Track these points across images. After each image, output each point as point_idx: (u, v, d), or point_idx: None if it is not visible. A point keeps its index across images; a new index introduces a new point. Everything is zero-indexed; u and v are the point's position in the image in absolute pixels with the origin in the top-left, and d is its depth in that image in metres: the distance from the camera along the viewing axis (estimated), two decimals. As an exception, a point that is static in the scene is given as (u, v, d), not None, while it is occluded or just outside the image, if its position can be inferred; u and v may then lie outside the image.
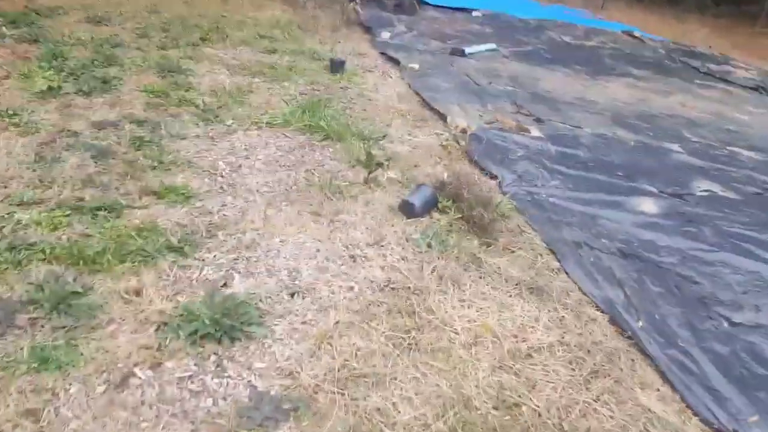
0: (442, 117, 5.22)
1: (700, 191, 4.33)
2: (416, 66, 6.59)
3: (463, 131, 4.95)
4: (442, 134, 4.87)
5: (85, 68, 5.02)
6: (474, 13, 10.57)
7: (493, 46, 8.29)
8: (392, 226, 3.25)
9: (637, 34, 10.82)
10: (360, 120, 4.89)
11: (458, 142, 4.54)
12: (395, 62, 6.87)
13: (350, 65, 6.36)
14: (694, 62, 9.28)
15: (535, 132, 5.21)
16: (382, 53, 7.19)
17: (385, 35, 8.03)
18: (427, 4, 10.38)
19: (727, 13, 14.27)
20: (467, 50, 7.84)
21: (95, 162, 3.52)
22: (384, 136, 4.58)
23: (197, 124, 4.33)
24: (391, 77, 6.33)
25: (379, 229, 3.18)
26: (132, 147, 3.78)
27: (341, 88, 5.66)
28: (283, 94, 5.23)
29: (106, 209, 3.03)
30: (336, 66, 6.00)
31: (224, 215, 3.15)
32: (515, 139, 4.89)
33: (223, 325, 2.25)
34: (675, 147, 5.27)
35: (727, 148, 5.55)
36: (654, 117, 6.10)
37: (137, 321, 2.29)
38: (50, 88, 4.46)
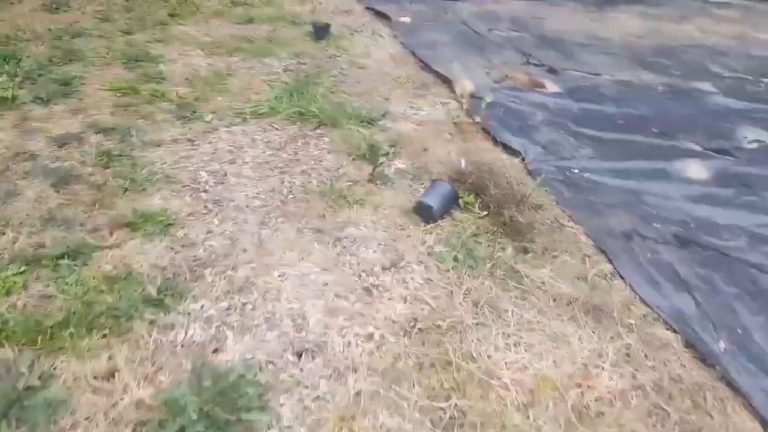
0: (446, 81, 4.58)
1: (749, 142, 3.74)
2: (408, 19, 5.87)
3: (471, 95, 4.33)
4: (448, 103, 4.25)
5: (43, 69, 4.37)
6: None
7: None
8: (409, 236, 2.71)
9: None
10: (355, 96, 4.27)
11: (470, 115, 3.92)
12: (385, 18, 6.14)
13: (336, 27, 5.66)
14: (706, -20, 8.44)
15: (551, 86, 4.58)
16: (369, 8, 6.45)
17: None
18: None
19: None
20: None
21: (57, 191, 2.97)
22: (384, 114, 3.97)
23: (173, 124, 3.74)
24: (381, 36, 5.63)
25: (394, 244, 2.65)
26: (99, 165, 3.21)
27: (329, 57, 4.99)
28: (266, 73, 4.59)
29: (70, 255, 2.50)
30: (320, 32, 5.31)
31: (211, 246, 2.61)
32: (531, 99, 4.28)
33: (216, 418, 1.76)
34: (706, 87, 4.63)
35: (763, 80, 4.90)
36: (674, 50, 5.42)
37: (109, 421, 1.81)
38: (2, 99, 3.85)
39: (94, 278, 2.39)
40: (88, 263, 2.48)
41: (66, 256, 2.49)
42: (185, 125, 3.73)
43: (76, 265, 2.45)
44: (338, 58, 4.98)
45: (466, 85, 4.40)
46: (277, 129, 3.74)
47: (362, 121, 3.85)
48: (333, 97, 4.20)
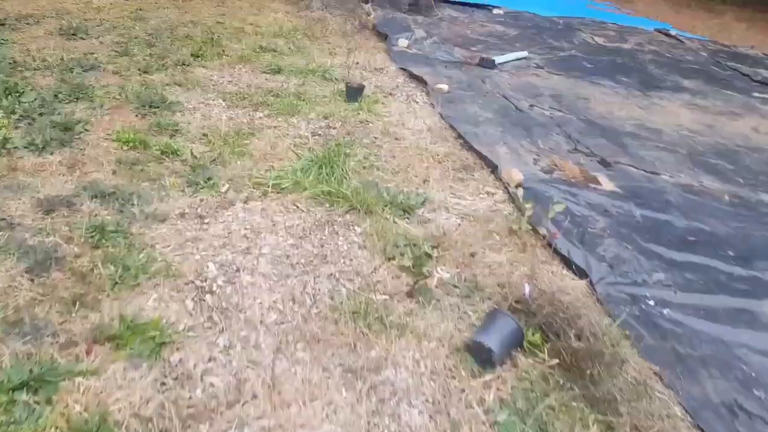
0: (489, 164, 4.04)
1: None
2: (445, 87, 5.37)
3: (519, 185, 3.78)
4: (494, 193, 3.70)
5: (45, 107, 3.83)
6: (494, 11, 9.29)
7: (524, 54, 7.05)
8: (463, 391, 2.11)
9: (672, 32, 9.54)
10: (390, 174, 3.71)
11: (521, 212, 3.36)
12: (419, 80, 5.65)
13: (368, 87, 5.15)
14: (743, 68, 8.03)
15: (606, 183, 4.04)
16: (403, 69, 5.97)
17: (402, 43, 6.78)
18: (445, 1, 9.09)
19: (762, 3, 12.89)
20: (497, 60, 6.61)
21: (32, 279, 2.37)
22: (423, 202, 3.41)
23: (183, 191, 3.17)
24: (417, 102, 5.12)
25: (445, 404, 2.04)
26: (89, 243, 2.62)
27: (361, 122, 4.46)
28: (293, 135, 4.04)
29: (31, 387, 1.89)
30: (353, 93, 4.79)
31: (212, 386, 2.00)
32: (588, 198, 3.73)
33: None
34: (775, 200, 4.11)
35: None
36: (733, 153, 4.91)
37: None
38: (-8, 141, 3.28)
39: (55, 427, 1.77)
40: (52, 399, 1.86)
41: (26, 385, 1.88)
42: (196, 194, 3.15)
43: (36, 402, 1.84)
44: (371, 125, 4.45)
45: (513, 174, 3.85)
46: (301, 210, 3.16)
47: (398, 208, 3.28)
48: (365, 173, 3.65)
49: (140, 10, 6.46)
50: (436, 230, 3.16)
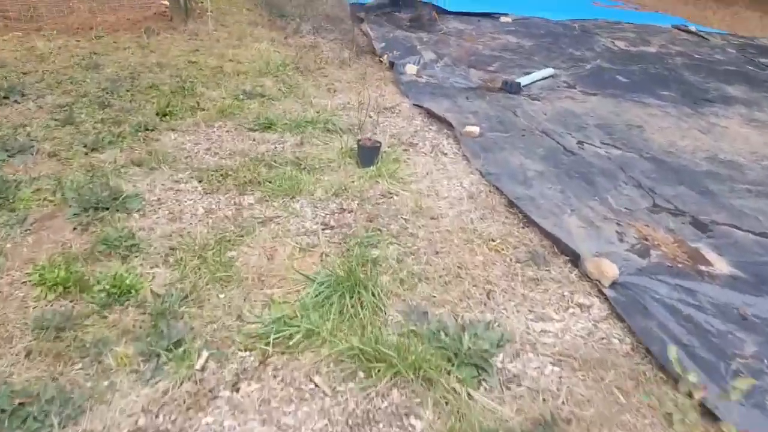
0: (565, 249, 2.84)
1: None
2: (476, 130, 4.15)
3: (614, 283, 2.60)
4: (589, 305, 2.49)
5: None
6: (502, 19, 8.05)
7: (550, 71, 5.83)
8: None
9: (692, 28, 8.36)
10: (439, 287, 2.50)
11: (694, 407, 2.12)
12: (440, 120, 4.43)
13: (381, 135, 3.93)
14: (784, 66, 6.88)
15: (716, 260, 2.84)
16: (418, 105, 4.74)
17: (411, 69, 5.54)
18: (446, 12, 7.84)
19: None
20: (522, 82, 5.40)
21: None
22: (500, 341, 2.20)
23: (136, 372, 1.95)
24: (445, 154, 3.89)
25: None
26: None
27: (383, 195, 3.24)
28: (296, 231, 2.82)
29: None
30: (368, 155, 3.56)
31: None
32: (709, 294, 2.54)
33: None
34: None
35: None
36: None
37: None
38: None
39: None
40: None
41: None
42: (156, 379, 1.93)
43: None
44: (396, 198, 3.22)
45: (605, 267, 2.64)
46: (323, 394, 1.94)
47: (468, 364, 2.07)
48: (406, 293, 2.43)
49: (94, 54, 5.18)
50: (532, 399, 1.96)
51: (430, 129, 4.31)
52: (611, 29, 8.03)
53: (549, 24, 7.99)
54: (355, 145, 3.65)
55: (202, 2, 7.07)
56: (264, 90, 4.76)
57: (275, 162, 3.47)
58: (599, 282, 2.63)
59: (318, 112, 4.40)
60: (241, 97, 4.55)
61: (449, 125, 4.30)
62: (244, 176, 3.27)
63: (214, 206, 2.98)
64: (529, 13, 8.42)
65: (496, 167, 3.66)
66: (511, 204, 3.26)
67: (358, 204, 3.11)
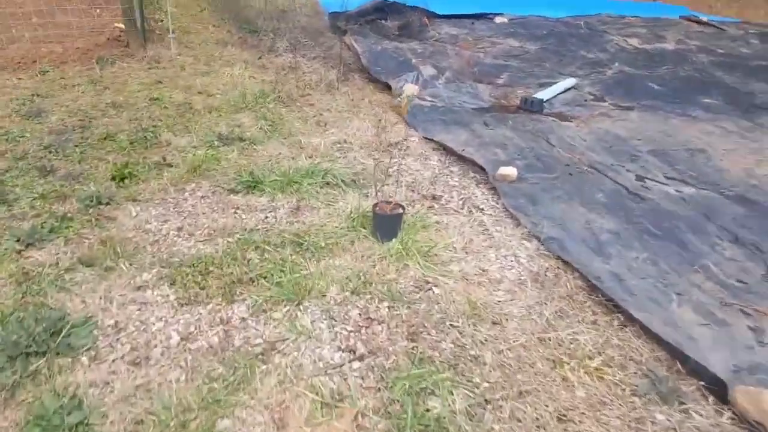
0: (685, 358, 2.09)
1: None
2: (513, 172, 3.36)
3: None
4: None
5: None
6: (497, 20, 7.28)
7: (571, 82, 5.09)
8: None
9: (703, 19, 7.71)
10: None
11: None
12: (463, 160, 3.64)
13: (394, 184, 3.14)
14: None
15: None
16: (429, 139, 3.94)
17: (411, 90, 4.74)
18: (436, 16, 7.04)
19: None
20: (543, 97, 4.64)
21: None
22: None
23: None
24: (482, 210, 3.09)
25: None
26: None
27: (418, 288, 2.43)
28: (311, 369, 1.99)
29: None
30: (387, 225, 2.74)
31: None
32: None
33: None
34: None
35: None
36: None
37: None
38: None
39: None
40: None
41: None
42: None
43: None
44: (436, 290, 2.42)
45: (762, 398, 1.89)
46: None
47: None
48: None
49: (37, 96, 4.26)
50: None
51: (452, 172, 3.52)
52: (618, 25, 7.32)
53: (549, 23, 7.24)
54: (367, 207, 2.85)
55: (161, 21, 6.14)
56: (242, 131, 3.92)
57: (269, 243, 2.64)
58: (765, 427, 1.86)
59: (311, 157, 3.58)
60: (216, 143, 3.69)
61: (475, 165, 3.51)
62: (231, 272, 2.44)
63: (192, 328, 2.15)
64: (523, 11, 7.66)
65: (555, 228, 2.87)
66: (592, 288, 2.48)
67: (388, 307, 2.31)
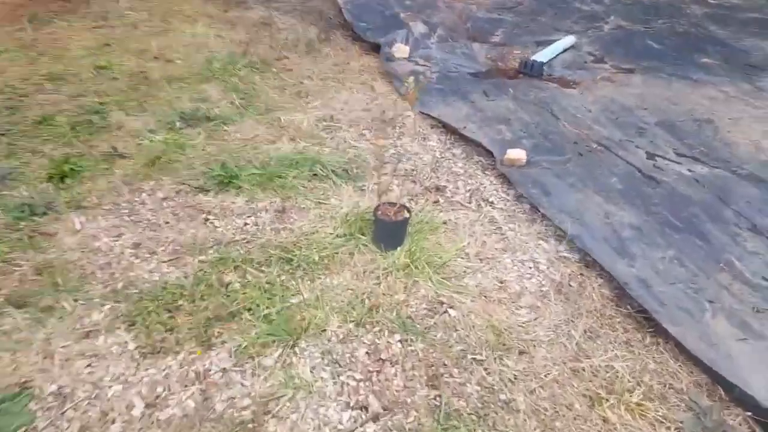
0: (729, 386, 1.73)
1: None
2: (522, 156, 2.88)
3: None
4: None
5: None
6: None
7: (570, 40, 4.54)
8: None
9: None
10: None
11: None
12: (466, 140, 3.14)
13: (391, 170, 2.65)
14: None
15: None
16: (426, 114, 3.40)
17: (401, 52, 4.15)
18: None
19: None
20: (542, 59, 4.11)
21: None
22: None
23: None
24: (491, 203, 2.62)
25: None
26: None
27: (432, 313, 1.99)
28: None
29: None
30: (390, 233, 2.25)
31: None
32: None
33: None
34: None
35: None
36: None
37: None
38: None
39: None
40: None
41: None
42: None
43: None
44: (452, 312, 1.98)
45: None
46: None
47: None
48: None
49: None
50: None
51: (455, 155, 3.02)
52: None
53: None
54: (365, 205, 2.36)
55: (107, -31, 5.28)
56: (210, 106, 3.31)
57: (251, 262, 2.13)
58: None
59: (294, 140, 3.03)
60: (179, 125, 3.09)
61: (480, 146, 3.02)
62: (206, 305, 1.94)
63: (160, 389, 1.67)
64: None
65: (573, 224, 2.45)
66: (620, 297, 2.10)
67: (401, 341, 1.86)
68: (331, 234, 2.31)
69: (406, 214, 2.24)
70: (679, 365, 1.84)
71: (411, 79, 2.10)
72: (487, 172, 2.86)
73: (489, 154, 2.96)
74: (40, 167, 2.63)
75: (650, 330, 1.96)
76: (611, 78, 4.03)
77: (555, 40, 4.50)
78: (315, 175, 2.70)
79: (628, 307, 2.04)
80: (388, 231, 2.24)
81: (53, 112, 3.10)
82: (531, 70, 4.01)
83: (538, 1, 5.57)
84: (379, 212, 2.24)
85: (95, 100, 3.27)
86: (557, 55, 4.34)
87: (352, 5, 4.95)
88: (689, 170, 2.93)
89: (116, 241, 2.23)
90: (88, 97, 3.31)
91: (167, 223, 2.33)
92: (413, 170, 2.80)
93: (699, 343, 1.89)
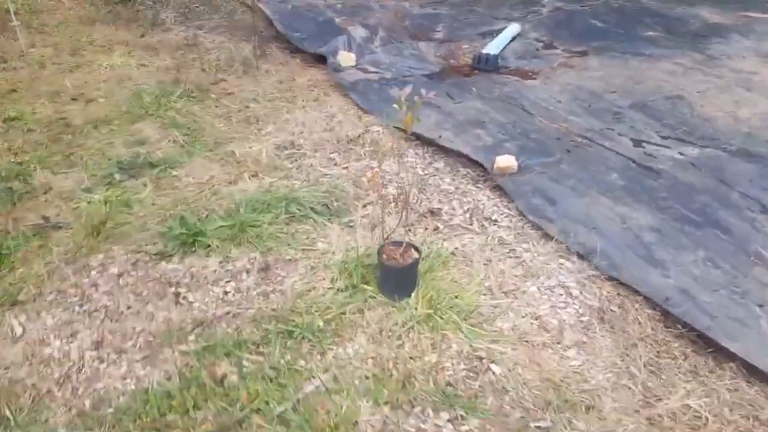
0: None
1: None
2: (511, 162, 2.58)
3: None
4: None
5: None
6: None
7: (516, 29, 4.31)
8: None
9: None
10: None
11: None
12: (433, 145, 2.82)
13: (367, 196, 2.29)
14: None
15: None
16: (395, 128, 3.05)
17: (347, 60, 3.77)
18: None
19: None
20: (494, 52, 3.86)
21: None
22: None
23: None
24: (495, 222, 2.31)
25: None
26: None
27: (473, 374, 1.66)
28: None
29: None
30: (402, 280, 1.90)
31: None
32: None
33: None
34: None
35: None
36: None
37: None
38: None
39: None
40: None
41: None
42: None
43: None
44: (495, 371, 1.66)
45: None
46: None
47: None
48: None
49: None
50: None
51: (438, 170, 2.69)
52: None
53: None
54: (359, 247, 1.99)
55: (-3, 1, 4.52)
56: (150, 149, 2.81)
57: (244, 344, 1.72)
58: None
59: (255, 176, 2.60)
60: (118, 177, 2.58)
61: (460, 156, 2.71)
62: (203, 416, 1.51)
63: None
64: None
65: (590, 234, 2.19)
66: (666, 315, 1.85)
67: (450, 421, 1.51)
68: (330, 289, 1.93)
69: (415, 254, 1.90)
70: (756, 390, 1.61)
71: (402, 98, 1.74)
72: (479, 186, 2.55)
73: (474, 163, 2.66)
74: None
75: (710, 350, 1.72)
76: (567, 63, 3.83)
77: (498, 30, 4.26)
78: (292, 216, 2.29)
79: (678, 326, 1.80)
80: (398, 277, 1.89)
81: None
82: (486, 65, 3.75)
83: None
84: (385, 257, 1.88)
85: (11, 160, 2.70)
86: (506, 45, 4.10)
87: (282, 15, 4.48)
88: (680, 153, 2.76)
89: (71, 342, 1.74)
90: (2, 157, 2.72)
91: (129, 308, 1.86)
92: (399, 193, 2.45)
93: (765, 359, 1.66)
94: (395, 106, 1.77)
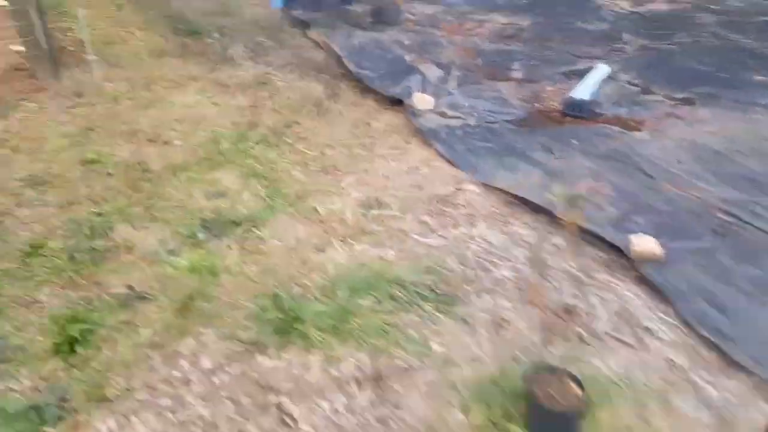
0: None
1: None
2: (656, 248, 2.17)
3: None
4: None
5: None
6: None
7: (605, 71, 3.94)
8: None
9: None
10: None
11: None
12: (542, 212, 2.50)
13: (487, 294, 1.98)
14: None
15: None
16: (487, 184, 2.74)
17: (424, 103, 3.48)
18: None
19: None
20: (585, 97, 3.52)
21: None
22: None
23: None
24: (652, 333, 1.95)
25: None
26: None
27: None
28: None
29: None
30: (556, 429, 1.55)
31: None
32: None
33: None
34: None
35: None
36: None
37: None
38: None
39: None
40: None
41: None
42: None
43: None
44: None
45: None
46: None
47: None
48: None
49: None
50: None
51: (559, 249, 2.30)
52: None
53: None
54: (481, 352, 1.68)
55: (71, 31, 4.40)
56: (232, 203, 2.58)
57: None
58: None
59: (344, 241, 2.33)
60: (202, 236, 2.35)
61: (582, 231, 2.37)
62: None
63: None
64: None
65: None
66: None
67: None
68: (463, 425, 1.61)
69: (577, 391, 1.53)
70: None
71: (559, 192, 1.44)
72: (617, 275, 2.16)
73: (600, 240, 2.29)
74: (40, 330, 1.85)
75: None
76: (675, 113, 3.41)
77: (584, 70, 3.91)
78: (394, 300, 2.01)
79: None
80: (560, 427, 1.54)
81: (43, 233, 2.33)
82: (580, 112, 3.41)
83: (537, 24, 4.98)
84: (539, 393, 1.52)
85: (91, 210, 2.50)
86: (596, 89, 3.74)
87: (350, 52, 4.24)
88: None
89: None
90: (82, 204, 2.54)
91: (229, 421, 1.60)
92: (516, 277, 2.13)
93: None
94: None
